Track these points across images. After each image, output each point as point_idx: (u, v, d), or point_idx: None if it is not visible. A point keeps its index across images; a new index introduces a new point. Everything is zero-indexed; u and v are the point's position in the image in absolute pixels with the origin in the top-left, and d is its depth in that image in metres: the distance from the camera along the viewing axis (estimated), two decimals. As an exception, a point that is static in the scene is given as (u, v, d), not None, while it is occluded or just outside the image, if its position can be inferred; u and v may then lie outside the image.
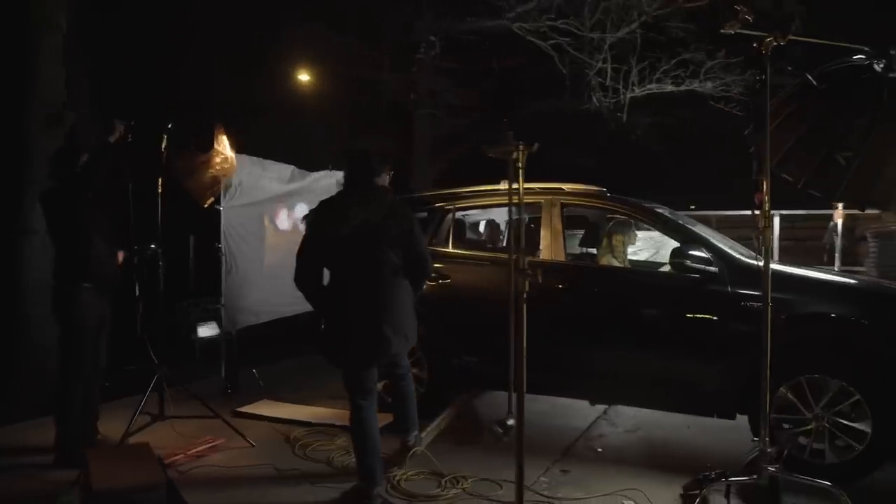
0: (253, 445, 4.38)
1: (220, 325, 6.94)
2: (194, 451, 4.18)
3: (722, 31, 3.47)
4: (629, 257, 5.39)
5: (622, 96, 9.01)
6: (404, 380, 3.98)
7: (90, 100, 8.12)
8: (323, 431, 4.64)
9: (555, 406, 5.14)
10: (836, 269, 6.38)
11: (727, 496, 3.52)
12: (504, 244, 5.98)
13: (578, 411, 5.07)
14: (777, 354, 4.00)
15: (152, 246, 4.90)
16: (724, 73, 8.77)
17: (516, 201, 2.51)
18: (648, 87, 9.10)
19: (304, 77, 10.86)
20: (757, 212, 3.53)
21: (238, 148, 5.30)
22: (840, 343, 3.92)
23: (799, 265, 4.82)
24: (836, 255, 6.31)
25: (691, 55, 8.79)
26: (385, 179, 3.74)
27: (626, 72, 8.96)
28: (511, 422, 3.05)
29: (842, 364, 3.87)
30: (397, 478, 3.81)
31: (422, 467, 3.96)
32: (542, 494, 3.69)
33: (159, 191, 4.30)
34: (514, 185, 2.49)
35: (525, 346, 2.77)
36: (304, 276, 3.60)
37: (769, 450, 3.48)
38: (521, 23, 9.42)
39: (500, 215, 6.15)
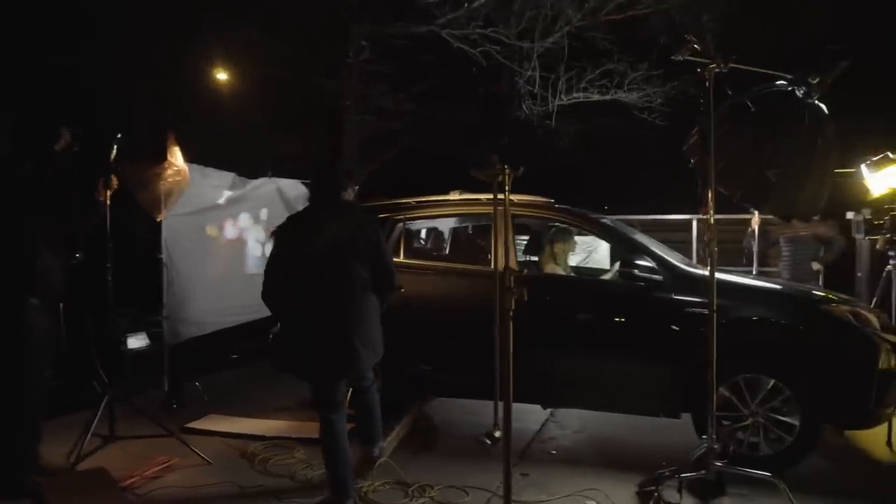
0: (210, 463, 4.30)
1: (149, 336, 6.75)
2: (150, 472, 4.05)
3: (672, 58, 3.72)
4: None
5: (550, 104, 9.31)
6: (369, 392, 4.02)
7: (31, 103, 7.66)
8: (280, 445, 4.60)
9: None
10: (753, 271, 6.86)
11: (680, 491, 3.77)
12: (448, 252, 6.11)
13: (527, 414, 5.24)
14: (718, 356, 4.32)
15: (77, 255, 4.70)
16: (645, 84, 9.22)
17: (502, 219, 2.61)
18: (575, 95, 9.44)
19: (229, 79, 10.59)
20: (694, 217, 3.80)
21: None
22: (773, 344, 4.27)
23: (726, 270, 5.18)
24: (754, 258, 6.80)
25: (614, 66, 9.19)
26: (350, 194, 3.76)
27: (553, 80, 9.26)
28: (498, 433, 3.15)
29: (775, 364, 4.21)
30: (364, 489, 3.85)
31: (387, 477, 4.01)
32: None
33: (107, 201, 4.12)
34: (500, 205, 2.60)
35: (501, 358, 2.88)
36: (272, 292, 3.58)
37: (715, 446, 3.77)
38: (450, 29, 9.57)
39: (445, 224, 6.27)
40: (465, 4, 9.29)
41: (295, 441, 4.62)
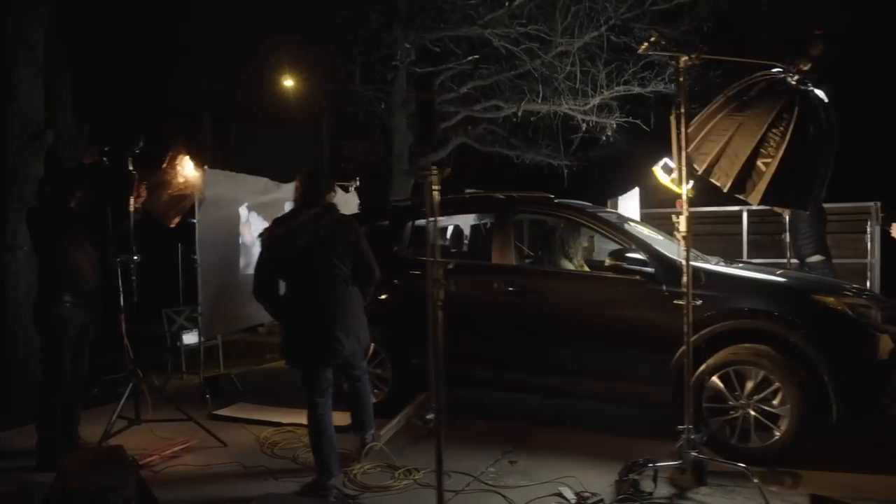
0: (225, 445, 4.69)
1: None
2: (168, 451, 4.48)
3: (639, 52, 3.78)
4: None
5: (591, 98, 9.29)
6: (361, 381, 4.28)
7: (71, 118, 8.44)
8: (291, 431, 4.94)
9: (512, 400, 5.44)
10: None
11: (654, 480, 3.82)
12: (466, 250, 6.29)
13: (531, 406, 5.35)
14: (710, 347, 4.33)
15: (135, 258, 5.19)
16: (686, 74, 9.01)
17: (433, 216, 2.79)
18: (616, 89, 9.37)
19: (284, 89, 11.15)
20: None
21: (213, 161, 5.60)
22: (764, 336, 4.21)
23: (734, 262, 5.11)
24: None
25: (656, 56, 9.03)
26: (332, 196, 4.06)
27: (593, 75, 9.23)
28: (430, 416, 3.33)
29: (764, 355, 4.16)
30: (354, 472, 4.12)
31: (379, 462, 4.26)
32: (486, 483, 3.99)
33: (130, 209, 4.58)
34: (428, 204, 2.78)
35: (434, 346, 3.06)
36: (262, 288, 3.91)
37: (693, 437, 3.79)
38: (492, 29, 9.71)
39: (465, 222, 6.45)
40: (507, 4, 9.40)
41: (307, 427, 4.92)
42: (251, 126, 11.83)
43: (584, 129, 10.00)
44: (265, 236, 3.96)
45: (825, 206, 6.69)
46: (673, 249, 4.76)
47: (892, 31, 11.57)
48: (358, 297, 3.99)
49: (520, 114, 10.09)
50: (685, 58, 3.85)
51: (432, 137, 2.80)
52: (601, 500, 3.67)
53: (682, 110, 3.91)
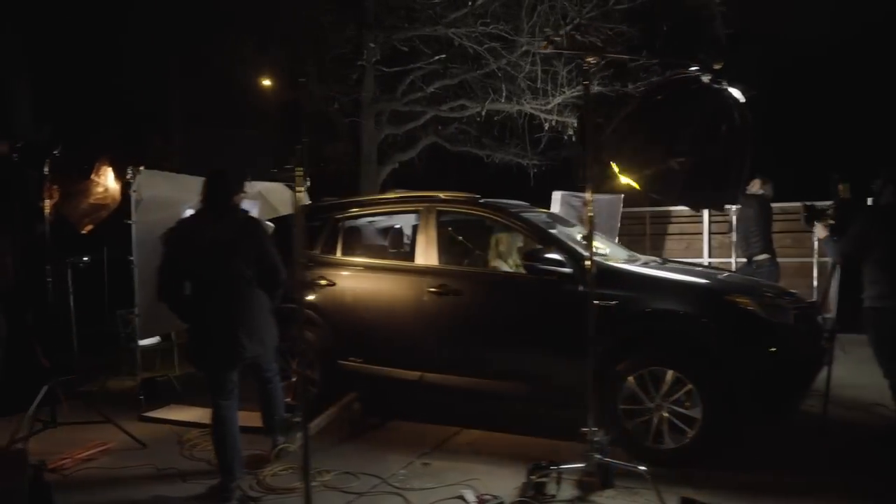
0: (144, 447, 4.66)
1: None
2: (84, 454, 4.45)
3: (536, 51, 3.75)
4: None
5: (552, 98, 9.26)
6: (271, 383, 4.26)
7: (31, 117, 8.40)
8: (216, 432, 4.90)
9: (443, 402, 5.41)
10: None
11: (558, 483, 3.79)
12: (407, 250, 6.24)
13: (461, 407, 5.31)
14: (624, 348, 4.30)
15: (85, 259, 5.15)
16: (645, 73, 9.01)
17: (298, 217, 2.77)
18: (577, 88, 9.33)
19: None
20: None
21: (156, 162, 5.54)
22: (676, 336, 4.19)
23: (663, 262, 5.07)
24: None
25: (614, 56, 8.99)
26: (241, 198, 4.03)
27: (553, 74, 9.20)
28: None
29: (677, 356, 4.14)
30: (263, 474, 4.09)
31: (292, 464, 4.23)
32: (393, 486, 3.96)
33: (45, 211, 4.55)
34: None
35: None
36: (164, 290, 3.88)
37: (597, 439, 3.76)
38: (456, 28, 9.68)
39: (406, 222, 6.40)
40: (469, 3, 9.38)
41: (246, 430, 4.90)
42: (220, 128, 11.78)
43: (546, 128, 9.97)
44: (165, 237, 3.93)
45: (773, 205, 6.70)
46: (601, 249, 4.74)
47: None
48: (263, 300, 3.95)
49: (483, 113, 10.07)
50: (591, 59, 3.82)
51: (300, 142, 2.75)
52: (501, 503, 3.64)
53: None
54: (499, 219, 4.90)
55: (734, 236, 6.58)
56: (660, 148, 4.15)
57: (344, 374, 5.16)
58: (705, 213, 9.30)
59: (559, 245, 4.51)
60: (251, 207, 7.04)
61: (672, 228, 9.87)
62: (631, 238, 10.04)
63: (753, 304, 4.09)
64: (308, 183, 7.68)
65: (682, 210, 9.59)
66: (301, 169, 2.81)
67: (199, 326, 3.87)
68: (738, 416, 4.08)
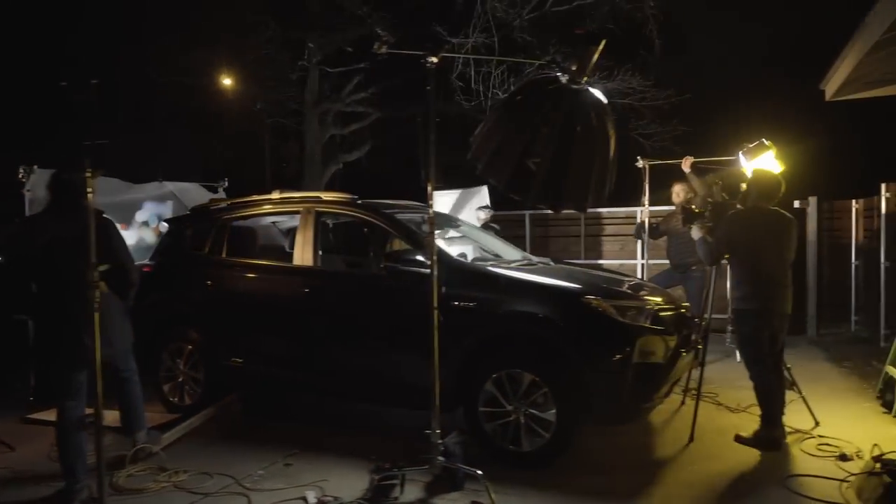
0: (13, 450, 4.63)
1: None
2: (-55, 457, 4.42)
3: (372, 51, 3.74)
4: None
5: (483, 98, 9.29)
6: (129, 382, 4.24)
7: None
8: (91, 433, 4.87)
9: (328, 403, 5.40)
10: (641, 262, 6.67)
11: (402, 485, 3.79)
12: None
13: (345, 408, 5.33)
14: (482, 351, 4.30)
15: None
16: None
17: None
18: (511, 89, 9.35)
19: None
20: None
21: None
22: (531, 339, 4.19)
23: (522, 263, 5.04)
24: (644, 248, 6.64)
25: (549, 59, 9.03)
26: (88, 198, 3.99)
27: (485, 74, 9.23)
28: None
29: (532, 359, 4.14)
30: (119, 476, 4.07)
31: (152, 464, 4.22)
32: (244, 486, 3.94)
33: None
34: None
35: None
36: (10, 288, 3.85)
37: (440, 441, 3.76)
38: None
39: (289, 222, 6.36)
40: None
41: (109, 430, 4.87)
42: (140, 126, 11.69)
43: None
44: (9, 232, 3.90)
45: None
46: (473, 250, 4.76)
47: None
48: (112, 300, 3.93)
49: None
50: (433, 58, 3.81)
51: (95, 144, 2.70)
52: (340, 504, 3.65)
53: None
54: (371, 219, 4.89)
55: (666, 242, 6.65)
56: (517, 148, 4.16)
57: (228, 374, 5.14)
58: (638, 214, 9.33)
59: (421, 246, 4.50)
60: (163, 207, 7.06)
61: (608, 230, 9.89)
62: (567, 239, 10.09)
63: (606, 307, 4.09)
64: (225, 183, 7.72)
65: (616, 212, 9.62)
66: (90, 171, 2.78)
67: (44, 326, 3.84)
68: (593, 417, 4.09)
